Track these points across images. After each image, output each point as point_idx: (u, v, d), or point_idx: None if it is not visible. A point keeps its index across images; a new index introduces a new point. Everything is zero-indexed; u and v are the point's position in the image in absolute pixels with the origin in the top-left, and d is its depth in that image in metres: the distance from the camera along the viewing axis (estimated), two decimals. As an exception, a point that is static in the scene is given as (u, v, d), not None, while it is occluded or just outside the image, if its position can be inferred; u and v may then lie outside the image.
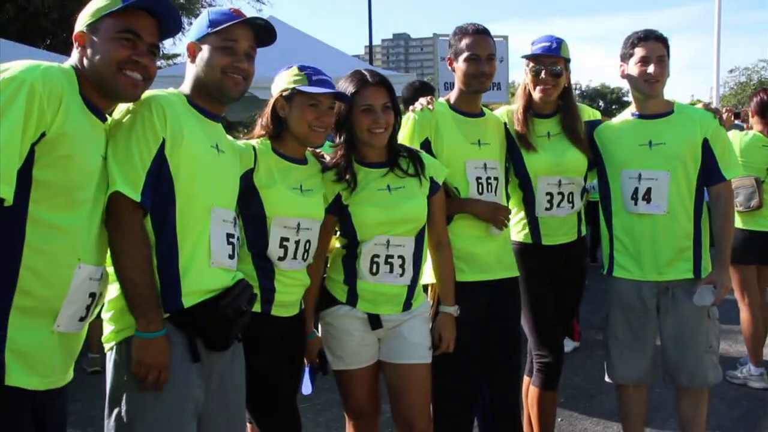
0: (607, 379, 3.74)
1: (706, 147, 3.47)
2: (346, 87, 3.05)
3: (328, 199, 3.04)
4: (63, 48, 13.79)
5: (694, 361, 3.51)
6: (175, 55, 22.77)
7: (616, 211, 3.59)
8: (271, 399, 2.87)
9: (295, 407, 2.97)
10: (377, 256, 3.03)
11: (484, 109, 3.60)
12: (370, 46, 28.74)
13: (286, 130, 2.93)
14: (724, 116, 5.93)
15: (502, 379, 3.48)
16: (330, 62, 8.32)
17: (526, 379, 3.85)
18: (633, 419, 3.71)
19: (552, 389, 3.75)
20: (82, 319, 2.25)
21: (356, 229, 3.04)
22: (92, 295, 2.26)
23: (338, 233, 3.17)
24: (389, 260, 3.04)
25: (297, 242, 2.88)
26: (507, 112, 3.68)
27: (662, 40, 3.48)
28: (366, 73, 3.10)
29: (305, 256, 2.93)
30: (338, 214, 3.07)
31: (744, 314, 5.34)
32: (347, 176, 3.03)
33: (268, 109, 2.96)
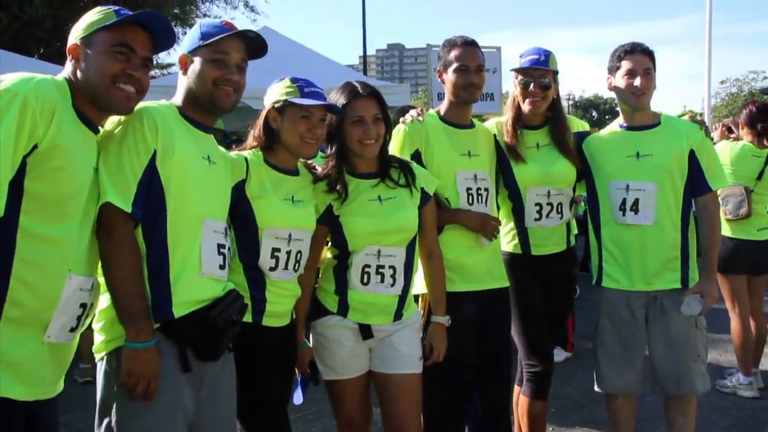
0: (596, 388, 3.76)
1: (693, 158, 3.52)
2: (337, 99, 3.07)
3: (320, 209, 3.06)
4: (57, 57, 13.79)
5: (682, 370, 3.53)
6: (169, 65, 22.76)
7: (604, 222, 3.63)
8: (262, 409, 2.88)
9: (285, 417, 2.98)
10: (368, 266, 3.05)
11: (474, 120, 3.64)
12: (365, 56, 28.79)
13: (278, 141, 2.95)
14: (720, 131, 5.98)
15: (493, 388, 3.50)
16: (324, 73, 8.37)
17: (516, 388, 3.87)
18: (622, 429, 3.73)
19: (542, 398, 3.76)
20: (72, 330, 2.26)
21: (347, 240, 3.06)
22: (83, 305, 2.27)
23: (329, 243, 3.19)
24: (380, 270, 3.06)
25: (288, 253, 2.89)
26: (496, 123, 3.71)
27: (648, 53, 3.53)
28: (357, 84, 3.13)
29: (296, 267, 2.94)
30: (329, 225, 3.09)
31: (734, 323, 5.36)
32: (338, 187, 3.05)
33: (260, 121, 2.98)
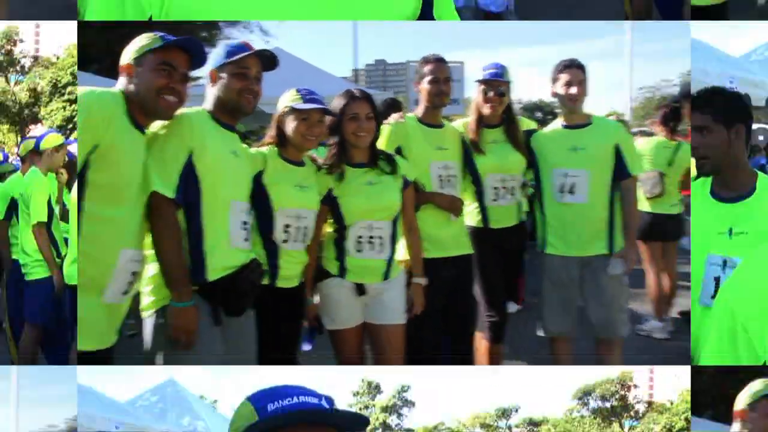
0: (539, 332, 3.82)
1: (618, 150, 3.56)
2: (339, 101, 3.10)
3: (322, 192, 3.07)
4: (107, 72, 13.64)
5: (609, 318, 3.58)
6: (197, 78, 22.53)
7: (547, 202, 3.65)
8: (278, 351, 2.91)
9: (295, 359, 3.02)
10: (361, 237, 3.07)
11: (444, 121, 3.65)
12: (356, 70, 28.70)
13: (287, 139, 2.96)
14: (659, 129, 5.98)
15: (459, 331, 3.54)
16: (323, 83, 8.31)
17: (477, 334, 3.90)
18: (561, 362, 3.79)
19: (499, 342, 3.81)
20: (125, 293, 2.28)
21: (344, 216, 3.08)
22: (134, 273, 2.29)
23: (330, 219, 3.21)
24: (371, 240, 3.08)
25: (297, 228, 2.91)
26: (463, 123, 3.72)
27: (581, 68, 3.57)
28: (354, 90, 3.19)
29: (304, 239, 2.96)
30: (330, 205, 3.10)
31: (650, 281, 5.45)
32: (337, 172, 3.07)
33: (273, 123, 3.00)
